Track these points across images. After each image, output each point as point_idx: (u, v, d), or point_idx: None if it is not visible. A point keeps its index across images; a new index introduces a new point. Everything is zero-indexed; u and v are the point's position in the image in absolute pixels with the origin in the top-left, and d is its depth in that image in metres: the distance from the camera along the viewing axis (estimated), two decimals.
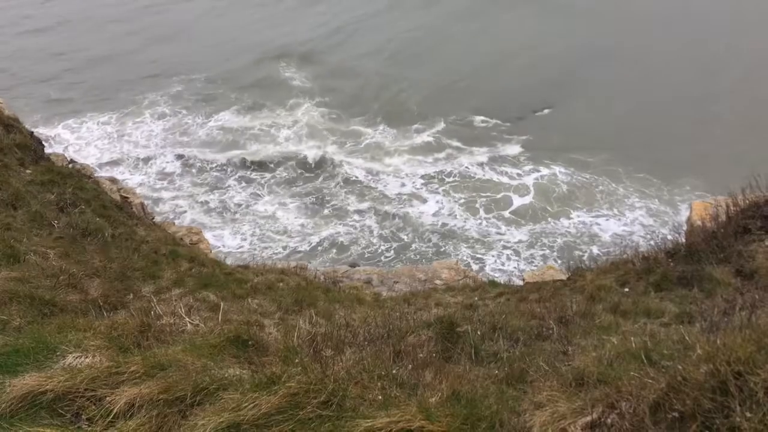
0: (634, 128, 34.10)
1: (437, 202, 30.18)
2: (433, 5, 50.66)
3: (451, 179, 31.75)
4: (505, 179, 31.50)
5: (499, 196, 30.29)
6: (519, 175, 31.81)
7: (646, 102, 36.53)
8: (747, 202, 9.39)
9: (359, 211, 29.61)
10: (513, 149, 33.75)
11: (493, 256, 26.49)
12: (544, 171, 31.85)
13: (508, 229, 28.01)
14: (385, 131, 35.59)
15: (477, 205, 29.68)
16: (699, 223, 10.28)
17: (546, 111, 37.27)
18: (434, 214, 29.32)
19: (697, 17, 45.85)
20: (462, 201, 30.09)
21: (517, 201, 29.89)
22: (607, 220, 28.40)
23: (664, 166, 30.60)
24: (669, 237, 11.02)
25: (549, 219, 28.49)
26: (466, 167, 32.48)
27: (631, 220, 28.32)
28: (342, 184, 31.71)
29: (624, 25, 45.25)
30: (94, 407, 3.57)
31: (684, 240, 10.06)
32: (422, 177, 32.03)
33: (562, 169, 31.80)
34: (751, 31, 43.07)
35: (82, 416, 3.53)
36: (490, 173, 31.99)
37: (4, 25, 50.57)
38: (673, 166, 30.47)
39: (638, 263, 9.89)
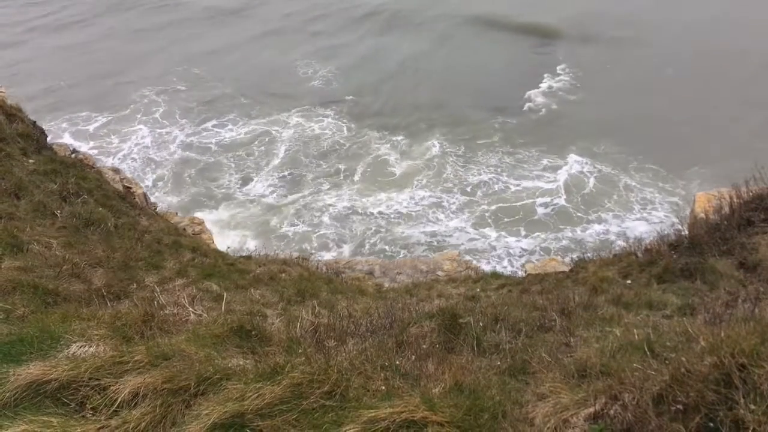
0: (639, 120, 33.87)
1: (446, 216, 28.44)
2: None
3: (461, 189, 30.18)
4: (522, 183, 30.21)
5: (517, 204, 28.87)
6: (541, 178, 30.21)
7: (646, 96, 36.32)
8: (750, 194, 9.38)
9: (350, 217, 28.54)
10: (526, 151, 32.57)
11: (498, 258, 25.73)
12: (556, 170, 30.64)
13: (520, 238, 26.70)
14: (390, 143, 34.33)
15: (488, 217, 27.97)
16: (702, 215, 10.26)
17: (546, 109, 37.01)
18: (437, 229, 27.74)
19: (701, 8, 45.58)
20: (475, 213, 28.54)
21: (539, 206, 28.51)
22: (633, 221, 27.04)
23: (673, 158, 30.25)
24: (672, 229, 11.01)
25: (558, 226, 27.33)
26: (478, 175, 31.07)
27: (658, 219, 26.76)
28: (340, 194, 30.46)
29: (623, 24, 44.98)
30: (98, 396, 3.58)
31: (687, 232, 10.05)
32: (430, 191, 30.27)
33: (574, 166, 30.81)
34: (754, 23, 42.80)
35: (87, 405, 3.55)
36: (504, 179, 30.59)
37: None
38: (681, 158, 30.14)
39: (641, 255, 9.91)
